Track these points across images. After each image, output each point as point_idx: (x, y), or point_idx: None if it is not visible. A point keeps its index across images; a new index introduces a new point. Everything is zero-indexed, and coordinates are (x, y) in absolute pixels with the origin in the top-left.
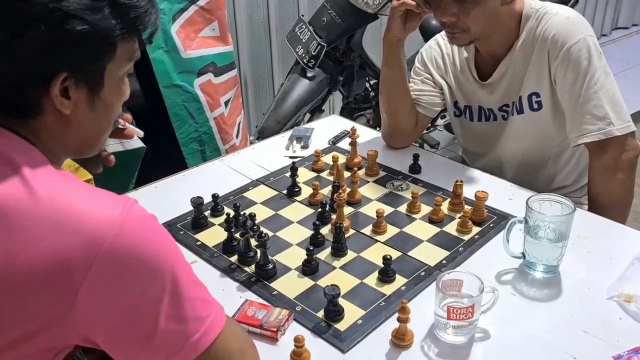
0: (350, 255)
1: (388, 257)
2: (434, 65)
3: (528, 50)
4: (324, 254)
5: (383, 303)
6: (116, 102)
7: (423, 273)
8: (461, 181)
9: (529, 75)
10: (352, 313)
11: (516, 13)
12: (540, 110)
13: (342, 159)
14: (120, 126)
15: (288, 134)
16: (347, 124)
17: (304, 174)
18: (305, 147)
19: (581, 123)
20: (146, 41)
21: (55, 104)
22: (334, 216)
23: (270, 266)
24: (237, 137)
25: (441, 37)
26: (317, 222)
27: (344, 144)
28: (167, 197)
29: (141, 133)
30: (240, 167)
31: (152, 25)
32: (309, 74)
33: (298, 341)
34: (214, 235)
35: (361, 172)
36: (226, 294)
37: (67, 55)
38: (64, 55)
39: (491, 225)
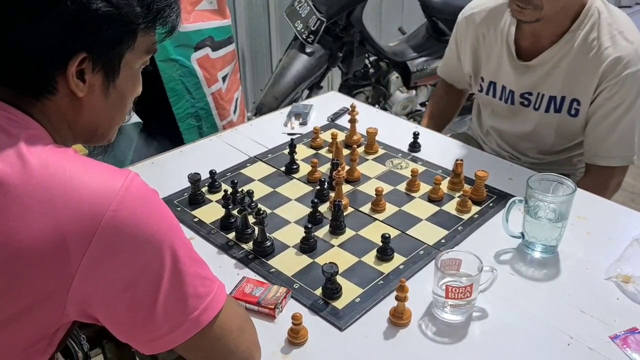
0: (349, 233)
1: (387, 235)
2: (465, 39)
3: (579, 54)
4: (322, 232)
5: (381, 281)
6: (130, 94)
7: (422, 252)
8: (461, 160)
9: (576, 79)
10: (350, 291)
11: (581, 3)
12: (577, 117)
13: (341, 136)
14: None
15: (286, 110)
16: (346, 101)
17: (303, 151)
18: (303, 123)
19: (609, 146)
20: (162, 39)
21: (70, 84)
22: (332, 194)
23: (268, 243)
24: (234, 113)
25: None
26: (316, 200)
27: (343, 121)
28: (164, 173)
29: None
30: (237, 144)
31: (172, 22)
32: (308, 50)
33: (296, 319)
34: (211, 212)
35: (360, 150)
36: (223, 271)
37: (89, 36)
38: (85, 35)
39: (491, 204)
